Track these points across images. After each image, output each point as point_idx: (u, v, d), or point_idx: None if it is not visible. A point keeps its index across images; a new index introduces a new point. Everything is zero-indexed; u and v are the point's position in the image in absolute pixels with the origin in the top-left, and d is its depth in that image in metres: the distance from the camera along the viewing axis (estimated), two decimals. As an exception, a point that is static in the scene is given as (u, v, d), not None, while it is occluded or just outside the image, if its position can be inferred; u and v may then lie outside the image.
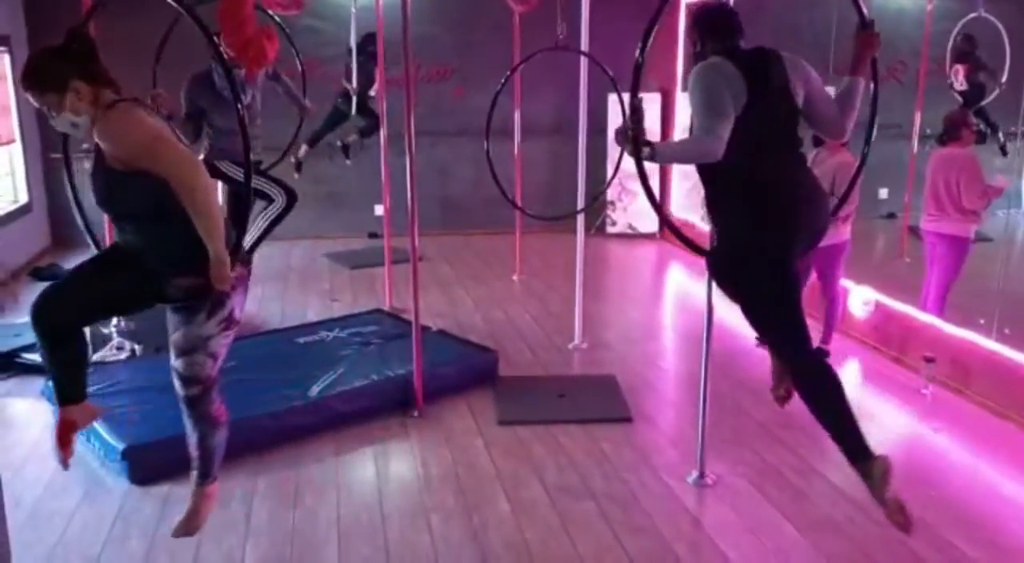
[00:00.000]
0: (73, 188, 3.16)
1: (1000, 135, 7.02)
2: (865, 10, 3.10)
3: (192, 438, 2.95)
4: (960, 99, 7.13)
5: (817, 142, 5.25)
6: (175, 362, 2.83)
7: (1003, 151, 6.98)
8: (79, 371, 2.81)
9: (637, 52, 3.00)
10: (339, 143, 8.12)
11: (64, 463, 2.85)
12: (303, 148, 7.80)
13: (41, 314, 2.65)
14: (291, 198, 5.49)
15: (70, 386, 2.78)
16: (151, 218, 2.65)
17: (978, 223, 5.27)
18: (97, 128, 2.55)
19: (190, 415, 2.91)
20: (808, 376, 3.05)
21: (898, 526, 2.92)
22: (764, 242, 3.00)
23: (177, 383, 2.86)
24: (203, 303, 2.74)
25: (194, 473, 3.01)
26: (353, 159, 8.23)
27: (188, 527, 3.00)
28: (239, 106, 3.12)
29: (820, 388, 3.01)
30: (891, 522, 2.93)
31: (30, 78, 2.57)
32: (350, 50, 7.76)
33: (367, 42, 7.53)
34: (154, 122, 2.62)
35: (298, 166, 7.58)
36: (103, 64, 2.64)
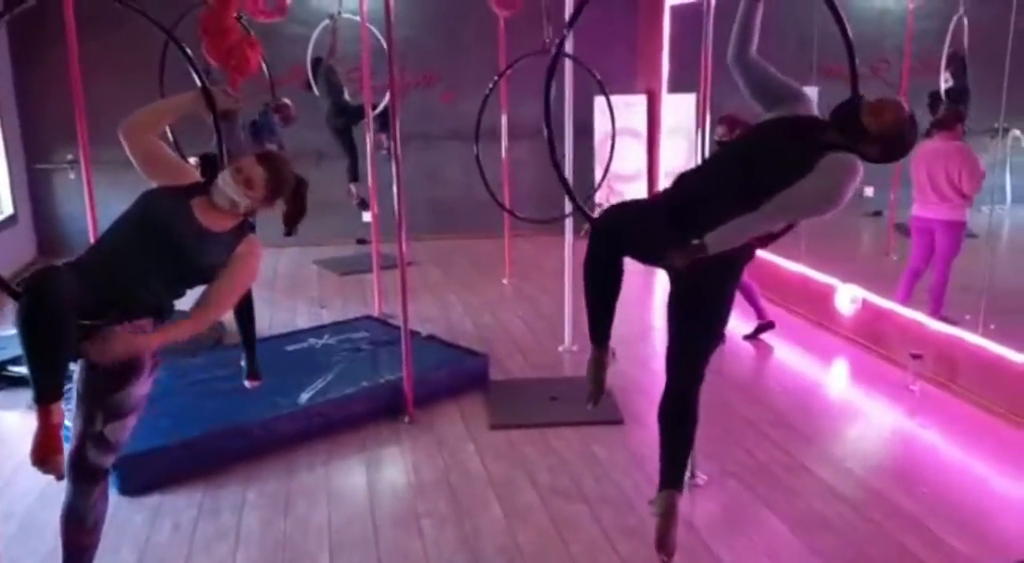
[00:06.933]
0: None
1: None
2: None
3: (86, 522, 2.70)
4: (944, 97, 7.16)
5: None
6: (104, 429, 2.61)
7: None
8: (66, 363, 2.51)
9: None
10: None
11: (61, 473, 2.54)
12: (352, 187, 7.95)
13: (42, 282, 2.41)
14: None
15: (55, 381, 2.43)
16: (178, 278, 2.76)
17: (970, 206, 5.50)
18: (244, 242, 2.85)
19: (93, 489, 2.68)
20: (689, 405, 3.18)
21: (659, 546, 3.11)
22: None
23: (97, 455, 2.62)
24: (142, 365, 2.65)
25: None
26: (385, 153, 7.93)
27: None
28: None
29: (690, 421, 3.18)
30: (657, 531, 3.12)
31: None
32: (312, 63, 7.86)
33: (316, 65, 7.76)
34: None
35: (362, 203, 7.50)
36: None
